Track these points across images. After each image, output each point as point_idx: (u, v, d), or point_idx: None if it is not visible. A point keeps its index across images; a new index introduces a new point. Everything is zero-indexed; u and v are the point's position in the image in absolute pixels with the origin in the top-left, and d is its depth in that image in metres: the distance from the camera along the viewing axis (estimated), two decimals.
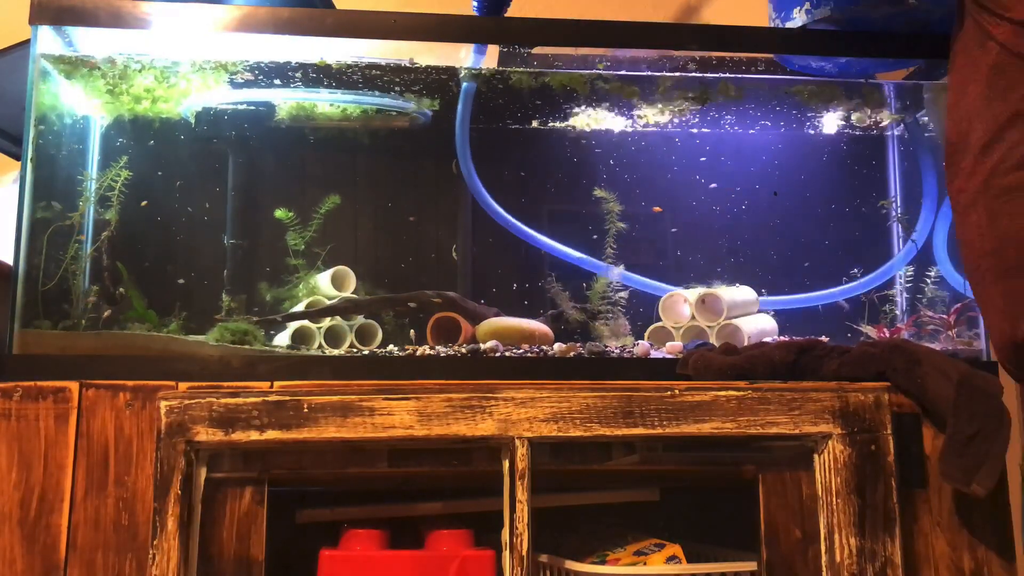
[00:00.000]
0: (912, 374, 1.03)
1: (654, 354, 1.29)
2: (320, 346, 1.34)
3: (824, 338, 1.36)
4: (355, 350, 1.35)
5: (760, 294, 1.44)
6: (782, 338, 1.37)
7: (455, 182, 1.45)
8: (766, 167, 1.54)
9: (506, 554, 0.93)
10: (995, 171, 1.00)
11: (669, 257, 1.54)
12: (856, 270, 1.46)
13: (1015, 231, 0.98)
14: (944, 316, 1.38)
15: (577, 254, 1.45)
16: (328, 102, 1.42)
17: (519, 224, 1.45)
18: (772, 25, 1.39)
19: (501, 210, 1.44)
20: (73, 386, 1.02)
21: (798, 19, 1.32)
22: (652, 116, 1.50)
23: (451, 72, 1.39)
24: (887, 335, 1.38)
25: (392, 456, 0.99)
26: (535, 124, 1.51)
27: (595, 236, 1.43)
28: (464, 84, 1.41)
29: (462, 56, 1.38)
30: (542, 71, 1.38)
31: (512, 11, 1.46)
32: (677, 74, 1.40)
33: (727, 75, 1.41)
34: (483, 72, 1.39)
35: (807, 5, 1.31)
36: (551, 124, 1.52)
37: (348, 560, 1.03)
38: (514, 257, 1.49)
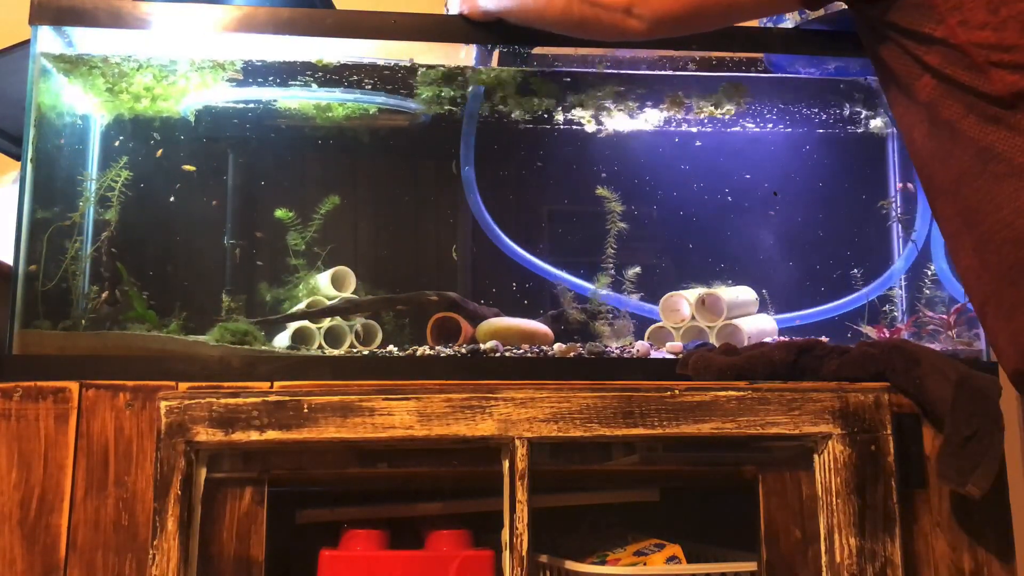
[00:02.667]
0: (911, 374, 1.03)
1: (654, 354, 1.29)
2: (320, 346, 1.34)
3: (824, 338, 1.36)
4: (355, 350, 1.35)
5: (760, 294, 1.44)
6: (782, 338, 1.37)
7: (455, 182, 1.45)
8: (764, 168, 1.54)
9: (506, 554, 0.93)
10: (968, 213, 0.96)
11: (669, 257, 1.54)
12: (857, 270, 1.45)
13: (1005, 270, 0.94)
14: (944, 316, 1.38)
15: (566, 275, 1.45)
16: (329, 101, 1.41)
17: (508, 240, 1.45)
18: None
19: (496, 227, 1.44)
20: (73, 386, 1.02)
21: (790, 20, 1.33)
22: (654, 116, 1.51)
23: (457, 74, 1.39)
24: (887, 335, 1.38)
25: (392, 456, 0.99)
26: (534, 123, 1.51)
27: (597, 236, 1.43)
28: (471, 91, 1.41)
29: (462, 56, 1.38)
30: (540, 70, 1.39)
31: None
32: (656, 73, 1.40)
33: (728, 74, 1.41)
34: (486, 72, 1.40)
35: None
36: (547, 123, 1.52)
37: (348, 560, 1.03)
38: (514, 257, 1.49)
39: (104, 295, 1.31)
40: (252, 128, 1.45)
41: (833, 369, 1.09)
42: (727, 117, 1.51)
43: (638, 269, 1.40)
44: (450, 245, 1.47)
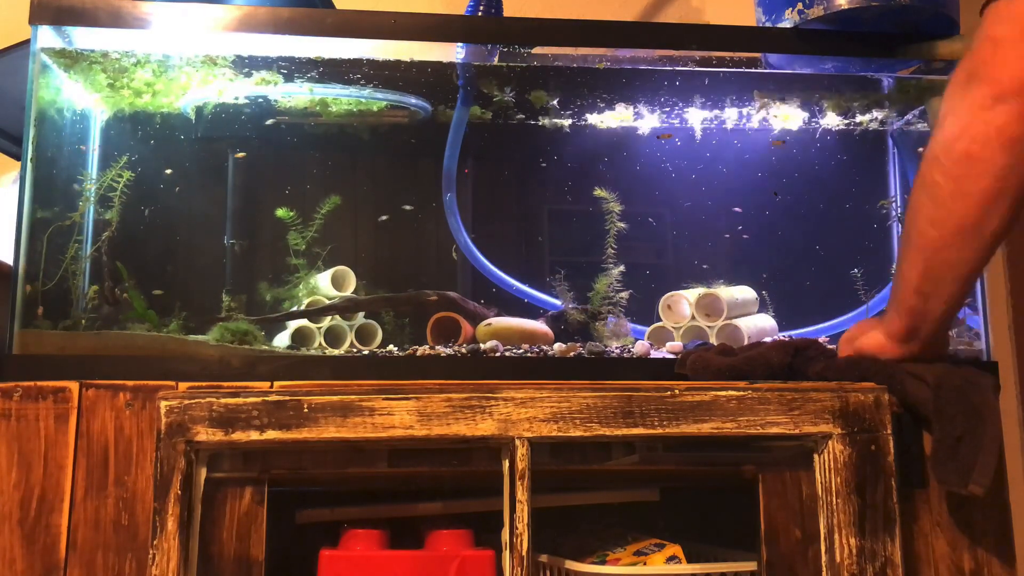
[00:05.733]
0: (893, 380, 1.03)
1: (654, 354, 1.29)
2: (320, 346, 1.34)
3: (823, 337, 1.36)
4: (355, 350, 1.35)
5: (760, 294, 1.44)
6: (779, 336, 1.37)
7: (458, 182, 1.45)
8: (763, 166, 1.54)
9: (506, 554, 0.93)
10: None
11: (669, 257, 1.54)
12: (858, 270, 1.45)
13: None
14: None
15: (535, 292, 1.45)
16: (328, 96, 1.41)
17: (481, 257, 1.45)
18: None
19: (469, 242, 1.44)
20: (73, 386, 1.02)
21: (789, 20, 1.33)
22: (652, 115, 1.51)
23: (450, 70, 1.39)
24: None
25: (392, 456, 0.99)
26: (528, 121, 1.52)
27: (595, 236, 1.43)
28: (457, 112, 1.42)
29: (459, 58, 1.38)
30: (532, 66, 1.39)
31: (512, 11, 1.46)
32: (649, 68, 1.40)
33: (732, 70, 1.41)
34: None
35: (799, 5, 1.31)
36: (544, 121, 1.52)
37: (348, 560, 1.03)
38: (514, 257, 1.49)
39: (94, 289, 1.31)
40: (251, 126, 1.45)
41: (818, 371, 1.08)
42: (727, 117, 1.52)
43: (625, 293, 1.40)
44: (450, 245, 1.47)
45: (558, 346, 1.30)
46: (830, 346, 1.16)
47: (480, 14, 1.39)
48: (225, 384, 1.02)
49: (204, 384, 1.02)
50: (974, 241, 0.92)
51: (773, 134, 1.54)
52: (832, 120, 1.53)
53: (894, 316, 1.04)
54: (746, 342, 1.30)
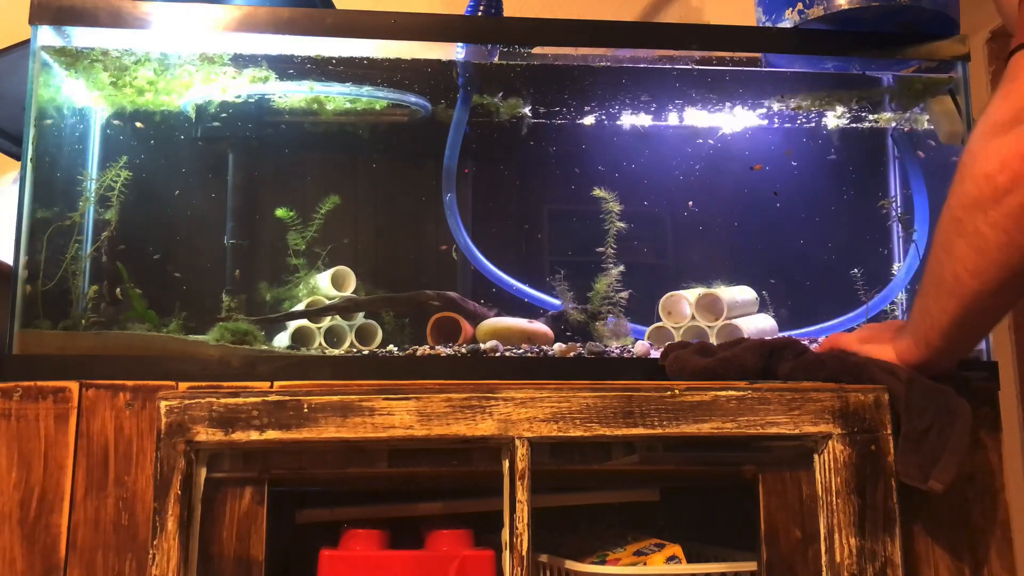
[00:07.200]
0: (862, 378, 1.02)
1: (654, 354, 1.29)
2: (320, 346, 1.34)
3: (822, 338, 1.36)
4: (355, 350, 1.35)
5: (760, 294, 1.44)
6: (779, 337, 1.37)
7: (457, 181, 1.45)
8: (763, 165, 1.54)
9: (506, 554, 0.93)
10: None
11: (669, 257, 1.54)
12: (858, 270, 1.45)
13: None
14: None
15: (535, 292, 1.45)
16: (331, 95, 1.41)
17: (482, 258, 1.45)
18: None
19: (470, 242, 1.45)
20: (73, 386, 1.03)
21: (789, 20, 1.33)
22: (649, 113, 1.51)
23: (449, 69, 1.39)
24: None
25: (392, 456, 0.99)
26: (528, 120, 1.52)
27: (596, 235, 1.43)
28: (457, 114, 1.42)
29: (459, 57, 1.38)
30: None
31: (512, 11, 1.46)
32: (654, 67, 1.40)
33: (729, 68, 1.41)
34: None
35: (799, 5, 1.31)
36: (543, 120, 1.52)
37: (348, 560, 1.03)
38: (514, 257, 1.49)
39: (94, 289, 1.31)
40: (251, 126, 1.45)
41: (787, 371, 1.07)
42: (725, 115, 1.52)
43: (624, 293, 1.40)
44: (450, 245, 1.47)
45: (558, 346, 1.30)
46: (812, 345, 1.16)
47: (480, 14, 1.39)
48: (225, 384, 1.02)
49: (204, 384, 1.02)
50: (1018, 288, 0.91)
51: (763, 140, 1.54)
52: (832, 120, 1.53)
53: (912, 345, 1.01)
54: None
